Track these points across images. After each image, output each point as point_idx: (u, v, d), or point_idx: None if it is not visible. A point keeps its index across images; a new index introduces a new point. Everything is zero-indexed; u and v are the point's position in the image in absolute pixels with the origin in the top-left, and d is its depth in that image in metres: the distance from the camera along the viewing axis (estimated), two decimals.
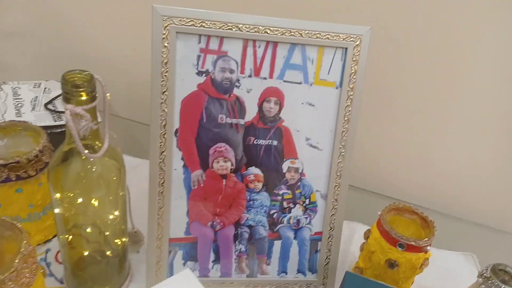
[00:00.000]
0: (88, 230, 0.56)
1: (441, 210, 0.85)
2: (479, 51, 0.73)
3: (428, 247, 0.57)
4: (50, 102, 0.82)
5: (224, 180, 0.58)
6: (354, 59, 0.57)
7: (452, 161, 0.83)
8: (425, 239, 0.56)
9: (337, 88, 0.58)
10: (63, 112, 0.79)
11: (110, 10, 0.91)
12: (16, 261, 0.43)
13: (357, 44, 0.56)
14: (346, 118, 0.58)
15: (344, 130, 0.58)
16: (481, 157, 0.81)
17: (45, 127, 0.71)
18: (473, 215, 0.85)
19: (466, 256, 0.74)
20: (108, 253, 0.58)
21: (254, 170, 0.59)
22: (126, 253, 0.61)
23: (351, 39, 0.56)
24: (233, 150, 0.58)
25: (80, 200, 0.52)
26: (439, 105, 0.79)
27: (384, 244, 0.58)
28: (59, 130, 0.77)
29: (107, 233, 0.57)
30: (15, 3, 0.97)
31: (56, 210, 0.52)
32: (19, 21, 0.99)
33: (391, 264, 0.57)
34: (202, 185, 0.58)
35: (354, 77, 0.57)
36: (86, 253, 0.57)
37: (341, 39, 0.56)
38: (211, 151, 0.57)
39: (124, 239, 0.59)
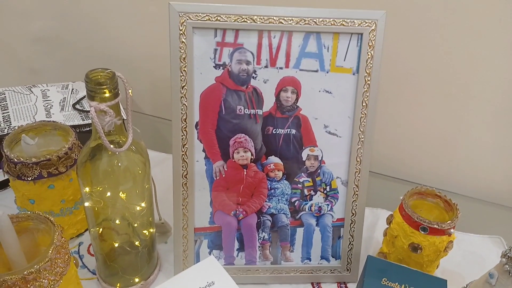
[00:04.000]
0: (117, 222, 0.58)
1: (466, 194, 0.84)
2: (500, 32, 0.71)
3: (452, 230, 0.56)
4: (77, 102, 0.86)
5: (245, 170, 0.60)
6: (370, 44, 0.57)
7: (475, 144, 0.82)
8: (448, 221, 0.56)
9: (354, 74, 0.58)
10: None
11: (130, 12, 0.93)
12: (50, 251, 0.45)
13: (373, 29, 0.56)
14: (364, 104, 0.58)
15: (362, 116, 0.59)
16: (505, 139, 0.80)
17: (74, 126, 0.74)
18: (500, 198, 0.83)
19: (494, 239, 0.73)
20: (137, 243, 0.60)
21: (274, 159, 0.60)
22: (154, 244, 0.63)
23: (366, 24, 0.56)
24: (252, 140, 0.59)
25: (108, 193, 0.54)
26: (460, 87, 0.78)
27: (406, 228, 0.58)
28: (88, 129, 0.80)
29: (136, 224, 0.59)
30: (41, 10, 1.01)
31: (86, 204, 0.55)
32: (46, 27, 1.03)
33: (415, 247, 0.57)
34: (223, 175, 0.60)
35: (371, 62, 0.57)
36: (116, 245, 0.60)
37: (356, 25, 0.56)
38: (231, 142, 0.59)
39: (152, 230, 0.61)
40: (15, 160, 0.59)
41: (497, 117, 0.78)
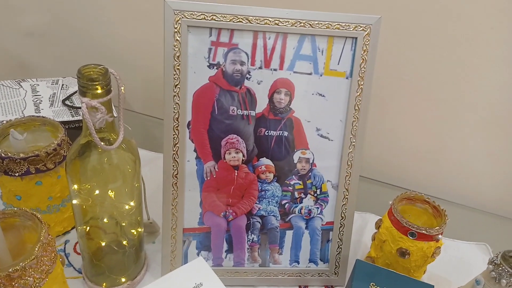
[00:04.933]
0: (105, 221, 0.57)
1: (454, 201, 0.84)
2: (492, 39, 0.72)
3: (440, 236, 0.57)
4: (67, 98, 0.85)
5: (236, 171, 0.59)
6: (364, 48, 0.57)
7: (465, 151, 0.83)
8: (436, 227, 0.56)
9: (347, 78, 0.58)
10: (80, 107, 0.81)
11: (124, 9, 0.93)
12: (36, 249, 0.44)
13: (367, 34, 0.56)
14: (356, 108, 0.58)
15: (354, 120, 0.59)
16: (494, 147, 0.81)
17: (63, 123, 0.73)
18: (487, 206, 0.84)
19: (480, 246, 0.74)
20: (124, 243, 0.60)
21: (265, 161, 0.60)
22: (142, 243, 0.62)
23: (361, 29, 0.56)
24: (244, 141, 0.59)
25: (97, 191, 0.53)
26: (451, 94, 0.79)
27: (395, 233, 0.58)
28: (77, 125, 0.79)
29: (124, 224, 0.59)
30: (33, 5, 0.99)
31: (74, 201, 0.54)
32: (37, 22, 1.02)
33: (402, 253, 0.57)
34: (214, 176, 0.59)
35: (364, 66, 0.57)
36: (103, 244, 0.59)
37: (351, 29, 0.56)
38: (223, 142, 0.58)
39: (140, 230, 0.60)
40: (3, 155, 0.58)
41: (487, 124, 0.79)
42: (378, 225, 0.63)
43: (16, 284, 0.43)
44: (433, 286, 0.53)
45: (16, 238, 0.50)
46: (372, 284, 0.52)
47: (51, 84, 0.89)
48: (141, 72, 0.98)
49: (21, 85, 0.87)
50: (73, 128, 0.78)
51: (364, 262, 0.55)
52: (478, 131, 0.80)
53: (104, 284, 0.60)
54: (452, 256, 0.71)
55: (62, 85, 0.89)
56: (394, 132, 0.86)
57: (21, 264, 0.43)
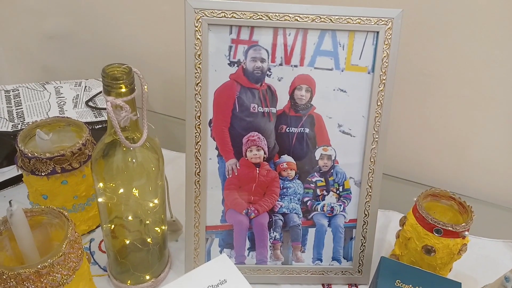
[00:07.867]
0: (130, 219, 0.58)
1: (479, 198, 0.83)
2: None
3: (466, 233, 0.55)
4: (90, 99, 0.86)
5: (257, 169, 0.59)
6: (386, 42, 0.56)
7: (489, 147, 0.81)
8: (463, 224, 0.55)
9: (369, 73, 0.57)
10: (103, 108, 0.83)
11: (143, 11, 0.94)
12: (63, 246, 0.45)
13: (389, 27, 0.56)
14: (379, 103, 0.58)
15: (377, 115, 0.58)
16: None
17: (87, 123, 0.74)
18: None
19: (507, 243, 0.72)
20: (148, 241, 0.60)
21: (286, 158, 0.59)
22: (165, 241, 0.63)
23: (383, 23, 0.56)
24: (265, 138, 0.59)
25: (121, 190, 0.54)
26: (475, 89, 0.77)
27: (420, 230, 0.57)
28: (100, 126, 0.80)
29: (148, 222, 0.59)
30: (55, 8, 1.01)
31: (100, 200, 0.55)
32: (59, 25, 1.04)
33: (428, 250, 0.56)
34: (236, 173, 0.59)
35: (387, 61, 0.57)
36: (128, 242, 0.60)
37: (372, 23, 0.55)
38: (244, 140, 0.58)
39: (163, 228, 0.61)
40: (29, 155, 0.60)
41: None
42: (402, 222, 0.62)
43: (45, 281, 0.44)
44: (460, 283, 0.52)
45: (43, 236, 0.51)
46: (398, 282, 0.51)
47: (74, 86, 0.90)
48: (161, 73, 0.99)
49: (45, 88, 0.88)
50: (96, 129, 0.79)
51: (389, 259, 0.54)
52: (502, 127, 0.78)
53: (129, 282, 0.61)
54: (478, 254, 0.69)
55: (85, 86, 0.90)
56: (415, 128, 0.84)
57: (49, 260, 0.43)
